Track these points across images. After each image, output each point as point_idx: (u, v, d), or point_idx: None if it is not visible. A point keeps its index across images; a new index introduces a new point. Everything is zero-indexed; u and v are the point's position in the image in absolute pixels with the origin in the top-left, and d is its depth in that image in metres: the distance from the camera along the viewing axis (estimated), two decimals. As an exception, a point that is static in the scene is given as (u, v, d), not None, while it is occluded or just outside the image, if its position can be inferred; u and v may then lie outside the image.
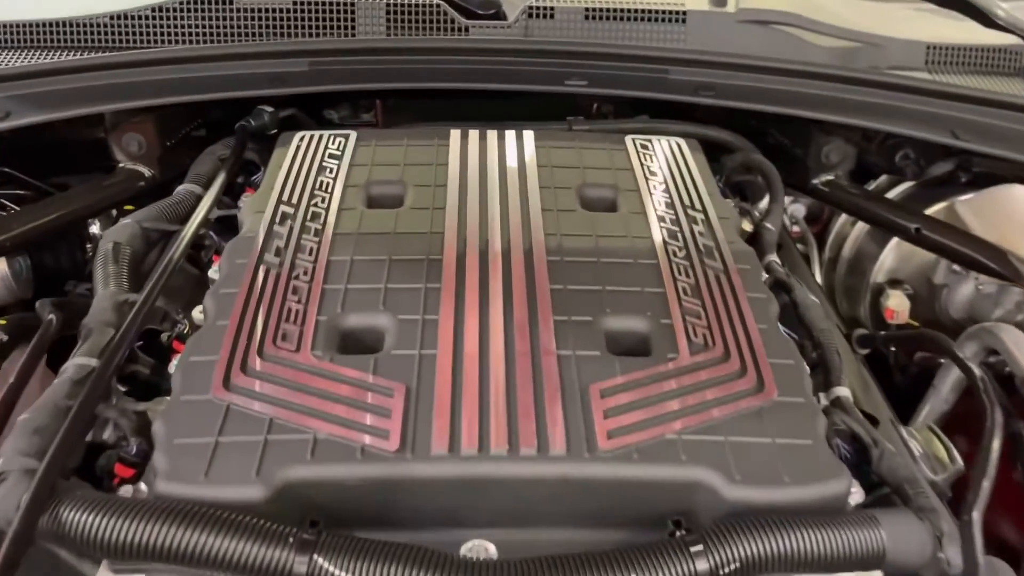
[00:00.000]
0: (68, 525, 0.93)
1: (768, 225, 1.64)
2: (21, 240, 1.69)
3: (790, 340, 1.25)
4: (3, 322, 1.64)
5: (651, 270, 1.34)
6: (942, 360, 1.73)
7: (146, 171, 1.84)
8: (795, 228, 2.17)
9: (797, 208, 2.21)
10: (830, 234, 2.24)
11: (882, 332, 1.75)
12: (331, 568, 0.92)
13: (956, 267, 1.93)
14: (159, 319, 1.41)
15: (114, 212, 1.86)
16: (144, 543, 0.92)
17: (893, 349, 1.87)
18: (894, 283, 2.01)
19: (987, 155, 1.74)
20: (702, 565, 0.94)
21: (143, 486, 1.04)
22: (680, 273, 1.33)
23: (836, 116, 1.78)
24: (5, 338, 1.60)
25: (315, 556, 0.92)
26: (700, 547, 0.95)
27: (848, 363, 1.36)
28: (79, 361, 1.21)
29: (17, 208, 1.82)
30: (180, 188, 1.70)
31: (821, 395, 1.27)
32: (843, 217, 2.20)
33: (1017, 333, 1.58)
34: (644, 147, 1.68)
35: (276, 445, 1.03)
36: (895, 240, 2.01)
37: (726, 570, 0.95)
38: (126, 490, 1.06)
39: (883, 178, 2.11)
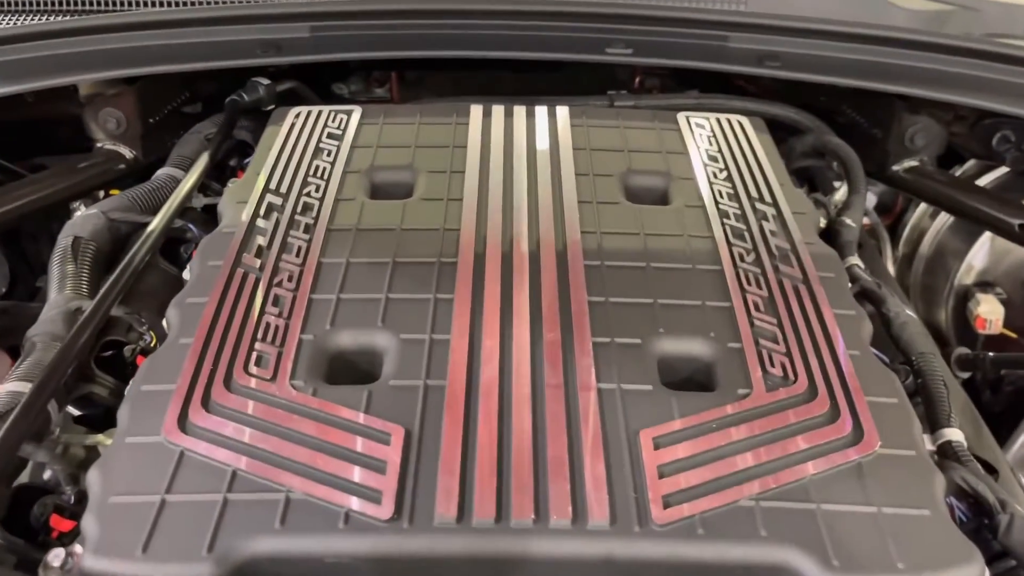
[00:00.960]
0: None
1: (848, 221, 1.38)
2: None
3: (890, 371, 1.00)
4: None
5: (713, 278, 1.10)
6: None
7: (127, 152, 1.62)
8: (864, 220, 1.90)
9: (867, 197, 1.93)
10: (904, 227, 1.96)
11: (989, 353, 1.48)
12: None
13: (1060, 270, 1.65)
14: (123, 329, 1.19)
15: (101, 195, 1.65)
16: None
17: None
18: (984, 286, 1.75)
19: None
20: None
21: (79, 548, 0.82)
22: (749, 283, 1.08)
23: (925, 91, 1.50)
24: (-45, 344, 1.40)
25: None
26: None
27: (955, 395, 1.10)
28: (11, 387, 0.99)
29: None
30: (159, 172, 1.49)
31: (926, 437, 1.02)
32: (921, 209, 1.92)
33: None
34: (700, 126, 1.42)
35: (238, 507, 0.81)
36: (986, 236, 1.73)
37: None
38: (55, 555, 0.84)
39: (971, 163, 1.83)
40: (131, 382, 0.97)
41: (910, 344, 1.14)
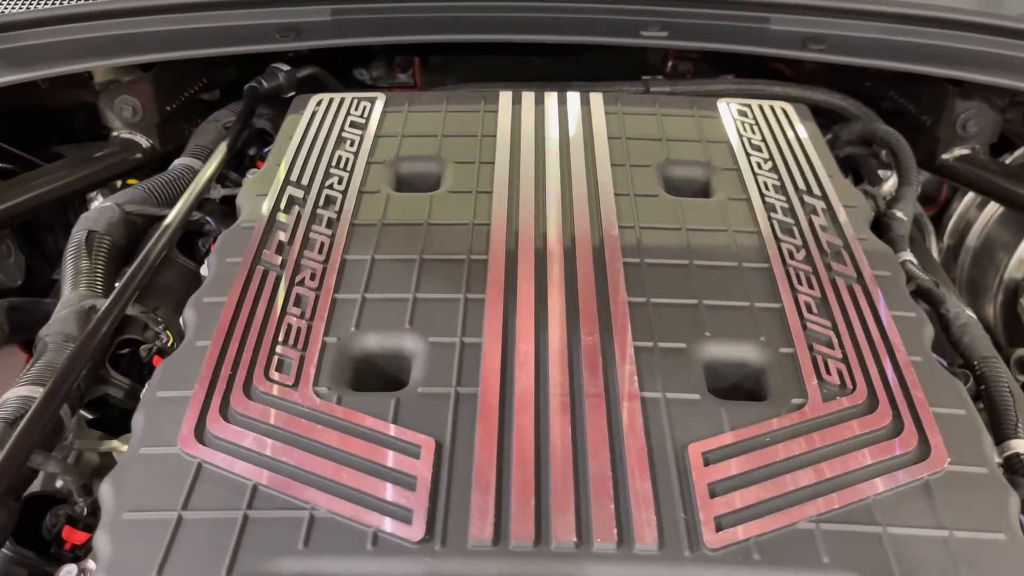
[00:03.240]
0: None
1: (899, 214, 1.30)
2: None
3: (955, 379, 0.93)
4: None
5: (761, 277, 1.03)
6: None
7: (143, 141, 1.57)
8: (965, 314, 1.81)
9: (908, 185, 1.85)
10: (950, 218, 1.87)
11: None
12: None
13: None
14: (139, 328, 1.14)
15: (118, 185, 1.60)
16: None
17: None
18: (1030, 281, 1.66)
19: None
20: None
21: (91, 564, 0.77)
22: (800, 282, 1.01)
23: (980, 75, 1.42)
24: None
25: None
26: None
27: (1021, 403, 1.03)
28: (21, 391, 0.95)
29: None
30: (176, 162, 1.43)
31: (1005, 475, 0.95)
32: (967, 199, 1.83)
33: None
34: (742, 114, 1.35)
35: (259, 525, 0.75)
36: (1040, 227, 1.64)
37: None
38: (67, 572, 0.79)
39: (1021, 151, 1.74)
40: (146, 386, 0.92)
41: (972, 348, 1.06)
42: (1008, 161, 1.75)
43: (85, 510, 0.90)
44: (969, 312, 1.12)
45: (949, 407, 0.88)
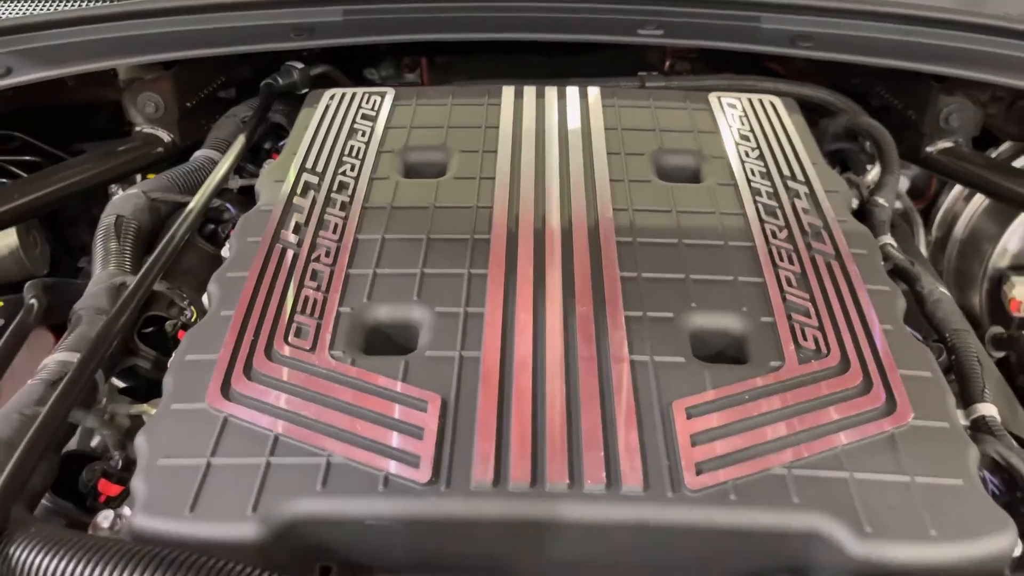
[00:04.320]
0: (18, 567, 0.75)
1: (880, 201, 1.37)
2: (28, 211, 1.52)
3: (923, 346, 1.00)
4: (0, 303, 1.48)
5: (746, 254, 1.10)
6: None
7: (164, 135, 1.65)
8: (897, 204, 1.88)
9: (900, 181, 1.91)
10: (938, 211, 1.94)
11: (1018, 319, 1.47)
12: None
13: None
14: (164, 305, 1.22)
15: (138, 178, 1.69)
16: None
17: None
18: (1019, 269, 1.72)
19: None
20: (824, 650, 0.72)
21: (127, 511, 0.85)
22: (782, 259, 1.09)
23: (961, 71, 1.49)
24: (1, 322, 1.44)
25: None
26: (822, 626, 0.72)
27: (989, 373, 1.10)
28: (60, 357, 1.02)
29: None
30: (197, 154, 1.51)
31: (960, 413, 1.02)
32: (954, 192, 1.90)
33: None
34: (732, 106, 1.42)
35: (280, 471, 0.83)
36: (1021, 218, 1.71)
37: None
38: (105, 517, 0.86)
39: (1006, 145, 1.81)
40: (175, 353, 0.99)
41: (944, 321, 1.13)
42: (994, 155, 1.82)
43: (119, 464, 0.98)
44: (943, 289, 1.19)
45: (916, 370, 0.95)
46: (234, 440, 0.86)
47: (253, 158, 1.59)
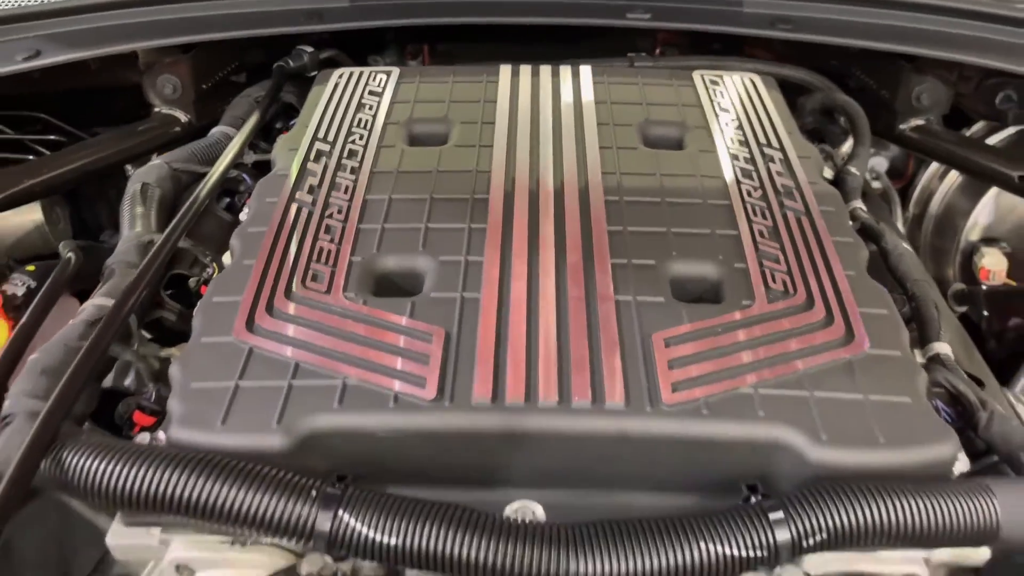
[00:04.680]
0: (71, 471, 0.85)
1: (852, 170, 1.47)
2: (52, 186, 1.63)
3: (883, 289, 1.10)
4: (31, 268, 1.58)
5: (723, 211, 1.20)
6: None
7: (182, 116, 1.76)
8: (876, 183, 1.98)
9: (879, 161, 2.01)
10: (915, 189, 2.04)
11: (984, 286, 1.57)
12: (358, 525, 0.81)
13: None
14: (188, 263, 1.32)
15: (155, 158, 1.79)
16: (150, 492, 0.82)
17: (987, 313, 1.69)
18: (989, 241, 1.83)
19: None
20: (783, 535, 0.81)
21: (161, 435, 0.95)
22: (756, 214, 1.19)
23: (931, 51, 1.59)
24: (33, 284, 1.54)
25: (340, 512, 0.81)
26: (780, 514, 0.82)
27: (947, 320, 1.20)
28: (97, 302, 1.12)
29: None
30: (214, 130, 1.62)
31: (917, 352, 1.12)
32: (930, 171, 2.00)
33: None
34: (714, 83, 1.53)
35: (301, 391, 0.93)
36: (991, 193, 1.81)
37: (811, 541, 0.82)
38: (142, 439, 0.96)
39: (979, 125, 1.91)
40: (202, 298, 1.09)
41: (906, 274, 1.23)
42: (968, 135, 1.92)
43: (152, 397, 1.08)
44: (906, 245, 1.29)
45: (874, 308, 1.05)
46: (259, 367, 0.96)
47: (265, 136, 1.69)
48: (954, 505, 0.84)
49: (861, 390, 0.93)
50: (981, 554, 0.92)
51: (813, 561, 0.91)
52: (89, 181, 1.77)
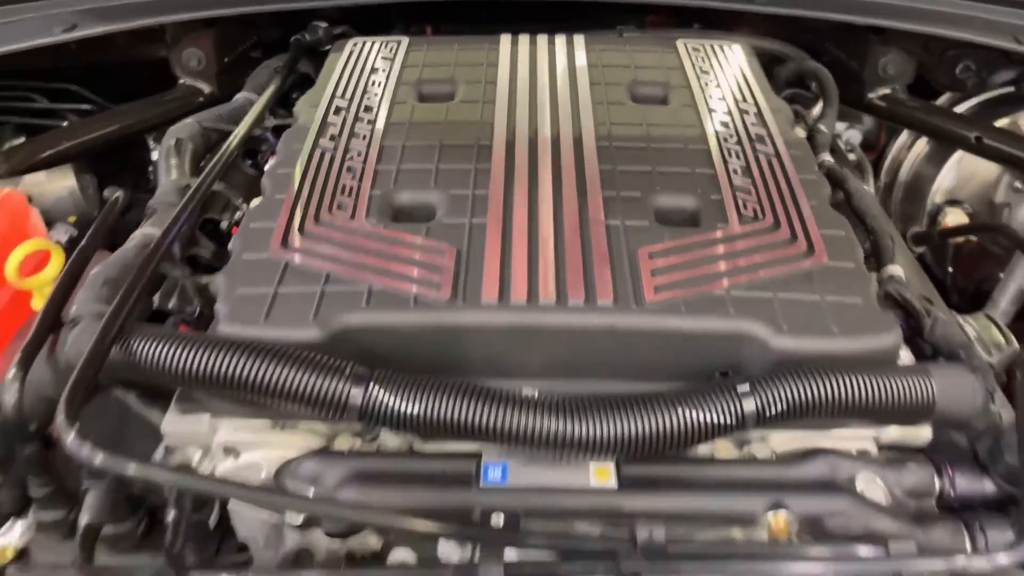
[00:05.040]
0: (138, 356, 0.98)
1: (822, 127, 1.62)
2: (88, 147, 1.77)
3: (841, 216, 1.24)
4: (73, 219, 1.72)
5: (701, 154, 1.34)
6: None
7: (205, 87, 1.90)
8: (851, 155, 2.13)
9: (853, 135, 2.16)
10: (886, 160, 2.20)
11: (937, 227, 1.72)
12: (385, 397, 0.95)
13: (1018, 184, 1.87)
14: (219, 208, 1.45)
15: None
16: (208, 371, 0.95)
17: (952, 269, 1.84)
18: (953, 202, 1.97)
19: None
20: (749, 405, 0.95)
21: None
22: (731, 156, 1.33)
23: (895, 23, 1.74)
24: (75, 232, 1.67)
25: (371, 385, 0.95)
26: (747, 387, 0.96)
27: (902, 252, 1.34)
28: (145, 231, 1.26)
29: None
30: (238, 95, 1.75)
31: (873, 274, 1.26)
32: (899, 142, 2.15)
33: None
34: (695, 50, 1.67)
35: (332, 295, 1.06)
36: (954, 158, 1.96)
37: (772, 411, 0.95)
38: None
39: (945, 97, 2.06)
40: (239, 227, 1.22)
41: (866, 210, 1.37)
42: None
43: (196, 313, 1.21)
44: (867, 188, 1.44)
45: (833, 230, 1.19)
46: (294, 277, 1.09)
47: (283, 104, 1.83)
48: (896, 383, 0.98)
49: (818, 293, 1.07)
50: (924, 434, 1.07)
51: (778, 439, 1.05)
52: (118, 146, 1.90)
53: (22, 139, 1.88)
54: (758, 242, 1.15)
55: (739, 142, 1.37)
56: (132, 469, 0.86)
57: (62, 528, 1.10)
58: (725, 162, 1.32)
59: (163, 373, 0.97)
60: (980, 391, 1.00)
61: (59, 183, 1.87)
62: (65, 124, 1.90)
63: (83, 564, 0.99)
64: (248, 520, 1.03)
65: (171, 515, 1.01)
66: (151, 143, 1.95)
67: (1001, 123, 1.92)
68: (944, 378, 1.00)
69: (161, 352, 0.97)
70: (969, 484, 1.02)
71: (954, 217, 1.92)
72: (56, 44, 1.71)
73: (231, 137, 1.47)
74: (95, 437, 1.06)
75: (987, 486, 1.02)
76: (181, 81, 1.91)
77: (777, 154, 1.35)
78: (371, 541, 1.04)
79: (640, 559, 0.87)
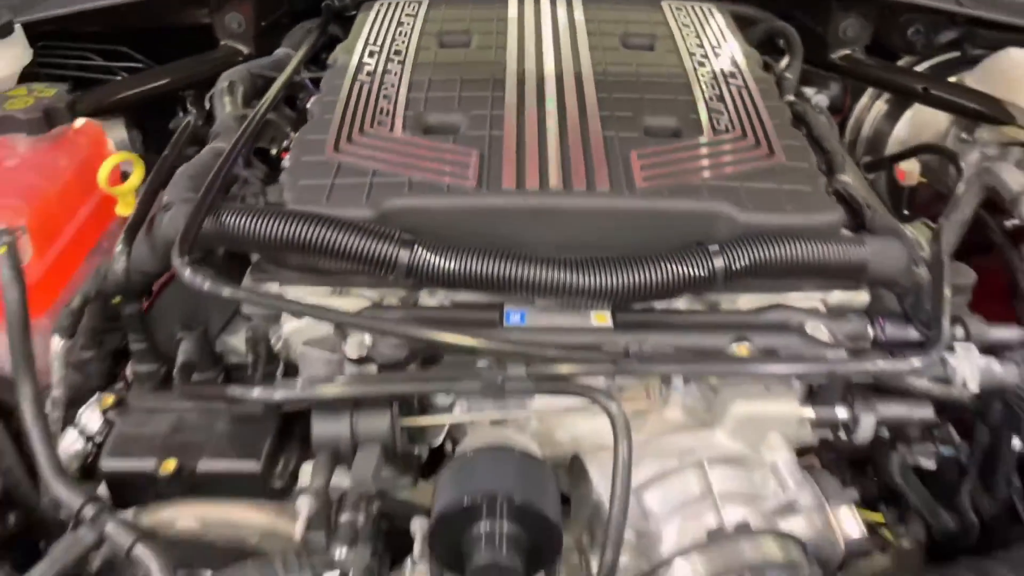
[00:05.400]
0: (227, 226, 1.21)
1: (788, 75, 1.87)
2: (143, 97, 2.00)
3: (798, 132, 1.49)
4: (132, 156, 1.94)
5: (683, 86, 1.59)
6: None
7: (244, 48, 2.13)
8: (820, 117, 2.39)
9: (820, 98, 2.41)
10: (849, 119, 2.45)
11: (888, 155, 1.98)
12: (429, 256, 1.18)
13: (964, 135, 2.13)
14: (268, 139, 1.69)
15: None
16: (283, 236, 1.18)
17: (907, 212, 2.09)
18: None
19: (988, 21, 1.95)
20: (719, 261, 1.19)
21: None
22: (707, 87, 1.58)
23: None
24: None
25: (416, 248, 1.18)
26: (716, 247, 1.20)
27: (851, 168, 1.58)
28: (213, 146, 1.49)
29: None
30: (277, 51, 1.99)
31: (823, 181, 1.50)
32: (861, 103, 2.41)
33: (1012, 167, 1.79)
34: (678, 9, 1.93)
35: (380, 185, 1.30)
36: (908, 114, 2.22)
37: (737, 266, 1.19)
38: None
39: (903, 61, 2.32)
40: (295, 139, 1.46)
41: (822, 137, 1.62)
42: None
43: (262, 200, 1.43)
44: (823, 119, 1.68)
45: (792, 141, 1.44)
46: (347, 172, 1.33)
47: (314, 63, 2.07)
48: (836, 247, 1.22)
49: (776, 183, 1.32)
50: (862, 297, 1.31)
51: (743, 300, 1.29)
52: (162, 104, 2.13)
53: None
54: (728, 147, 1.40)
55: (714, 77, 1.62)
56: (226, 292, 1.10)
57: (154, 379, 1.33)
58: (702, 91, 1.57)
59: (249, 239, 1.20)
60: (905, 255, 1.25)
61: (112, 133, 2.10)
62: (118, 78, 2.13)
63: (184, 386, 1.22)
64: (313, 360, 1.25)
65: (249, 358, 1.24)
66: (188, 106, 2.18)
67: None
68: (876, 244, 1.24)
69: (248, 222, 1.20)
70: (896, 331, 1.26)
71: (908, 164, 2.17)
72: (108, 7, 1.94)
73: (281, 75, 1.71)
74: (180, 310, 1.30)
75: (911, 332, 1.26)
76: (222, 43, 2.15)
77: (746, 86, 1.59)
78: None
79: (633, 362, 1.11)
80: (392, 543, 1.22)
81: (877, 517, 1.28)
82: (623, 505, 0.99)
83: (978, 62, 2.19)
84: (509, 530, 1.01)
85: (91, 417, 1.31)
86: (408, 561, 1.14)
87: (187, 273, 1.10)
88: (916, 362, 1.12)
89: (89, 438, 1.28)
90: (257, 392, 1.15)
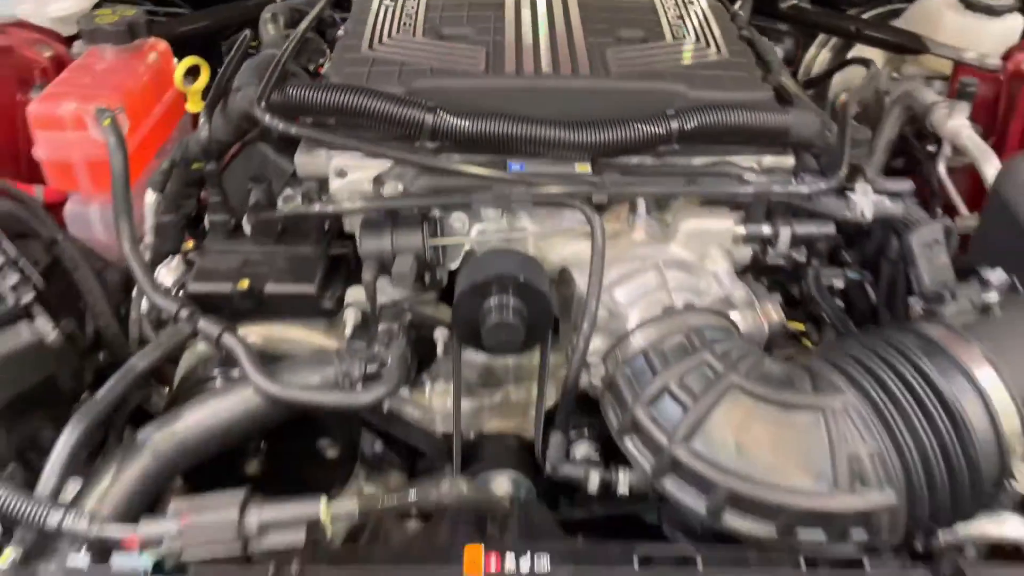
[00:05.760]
0: (291, 96, 1.54)
1: (740, 12, 2.22)
2: (184, 37, 2.33)
3: (744, 44, 1.84)
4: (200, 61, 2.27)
5: (651, 11, 1.95)
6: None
7: None
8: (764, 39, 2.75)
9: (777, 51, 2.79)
10: (799, 68, 2.82)
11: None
12: (448, 118, 1.52)
13: (895, 75, 2.50)
14: (306, 58, 2.02)
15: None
16: (336, 102, 1.52)
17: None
18: (847, 90, 2.59)
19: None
20: (674, 122, 1.53)
21: None
22: (670, 12, 1.94)
23: None
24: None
25: (439, 111, 1.52)
26: (672, 111, 1.55)
27: (786, 74, 1.94)
28: (265, 52, 1.83)
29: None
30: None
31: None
32: (809, 54, 2.79)
33: (928, 89, 2.17)
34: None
35: (407, 71, 1.64)
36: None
37: (689, 126, 1.54)
38: (309, 111, 1.67)
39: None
40: (337, 41, 1.80)
41: (764, 51, 1.97)
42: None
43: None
44: (769, 44, 2.04)
45: (736, 45, 1.79)
46: (381, 63, 1.67)
47: (339, 7, 2.41)
48: (764, 115, 1.57)
49: (721, 71, 1.67)
50: (789, 160, 1.66)
51: (696, 161, 1.64)
52: (209, 37, 2.46)
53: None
54: (685, 48, 1.75)
55: (676, 5, 1.98)
56: (295, 130, 1.44)
57: (226, 227, 1.66)
58: (666, 14, 1.92)
59: (307, 106, 1.53)
60: (819, 122, 1.60)
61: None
62: (171, 19, 2.46)
63: (257, 222, 1.55)
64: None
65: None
66: (224, 50, 2.51)
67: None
68: (796, 113, 1.60)
69: (307, 92, 1.53)
70: (814, 180, 1.61)
71: (846, 94, 2.54)
72: None
73: (304, 20, 2.04)
74: (242, 178, 1.63)
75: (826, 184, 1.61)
76: (256, -9, 2.49)
77: (702, 11, 1.95)
78: None
79: (607, 185, 1.46)
80: (419, 350, 1.56)
81: (799, 326, 1.62)
82: (598, 279, 1.33)
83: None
84: (514, 303, 1.35)
85: (173, 267, 1.65)
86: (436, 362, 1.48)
87: (267, 118, 1.44)
88: (822, 184, 1.47)
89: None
90: (318, 206, 1.49)
